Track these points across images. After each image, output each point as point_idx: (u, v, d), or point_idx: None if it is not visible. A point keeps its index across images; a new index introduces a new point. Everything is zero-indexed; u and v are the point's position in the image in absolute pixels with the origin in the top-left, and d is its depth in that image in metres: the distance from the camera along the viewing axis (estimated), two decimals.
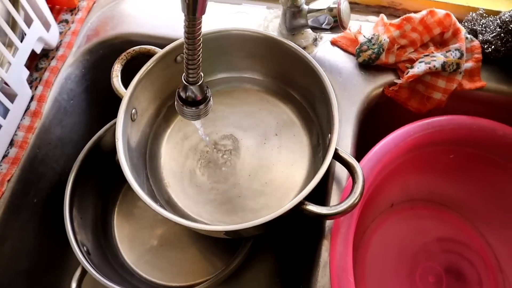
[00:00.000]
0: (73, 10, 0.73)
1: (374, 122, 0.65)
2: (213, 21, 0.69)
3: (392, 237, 0.72)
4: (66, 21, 0.72)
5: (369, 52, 0.63)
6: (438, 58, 0.61)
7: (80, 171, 0.65)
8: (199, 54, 0.42)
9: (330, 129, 0.53)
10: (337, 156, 0.51)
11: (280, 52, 0.60)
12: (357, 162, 0.50)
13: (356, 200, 0.48)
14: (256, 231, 0.48)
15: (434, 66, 0.61)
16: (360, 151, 0.60)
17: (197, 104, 0.48)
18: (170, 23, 0.70)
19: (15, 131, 0.61)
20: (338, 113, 0.52)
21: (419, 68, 0.61)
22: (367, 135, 0.63)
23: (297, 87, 0.63)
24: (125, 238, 0.71)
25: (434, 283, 0.69)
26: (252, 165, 0.61)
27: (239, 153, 0.62)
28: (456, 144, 0.64)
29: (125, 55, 0.59)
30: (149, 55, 0.59)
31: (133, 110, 0.57)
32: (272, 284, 0.71)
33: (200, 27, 0.40)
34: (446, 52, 0.62)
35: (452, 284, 0.69)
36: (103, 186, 0.71)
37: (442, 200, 0.75)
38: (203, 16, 0.39)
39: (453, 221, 0.74)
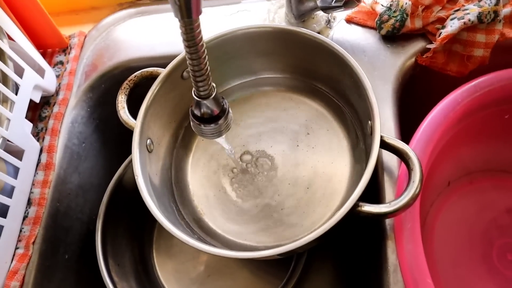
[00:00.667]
0: (65, 49, 0.68)
1: (411, 97, 0.59)
2: (213, 26, 0.63)
3: (456, 218, 0.65)
4: (61, 63, 0.67)
5: (392, 21, 0.56)
6: (471, 10, 0.54)
7: (108, 216, 0.61)
8: (206, 62, 0.36)
9: (368, 116, 0.47)
10: (384, 144, 0.45)
11: (294, 43, 0.54)
12: (408, 147, 0.44)
13: (417, 190, 0.42)
14: (310, 245, 0.42)
15: (469, 20, 0.53)
16: (402, 132, 0.54)
17: (215, 120, 0.42)
18: (168, 39, 0.65)
19: (30, 189, 0.56)
20: (374, 96, 0.46)
21: (452, 26, 0.54)
22: (406, 112, 0.57)
23: (321, 77, 0.56)
24: (170, 276, 0.66)
25: None
26: (289, 173, 0.55)
27: (273, 162, 0.56)
28: (509, 103, 0.57)
29: (127, 84, 0.54)
30: (152, 77, 0.54)
31: (148, 141, 0.52)
32: None
33: (200, 30, 0.34)
34: (479, 1, 0.55)
35: None
36: (135, 225, 0.66)
37: (503, 167, 0.67)
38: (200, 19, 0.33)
39: None
